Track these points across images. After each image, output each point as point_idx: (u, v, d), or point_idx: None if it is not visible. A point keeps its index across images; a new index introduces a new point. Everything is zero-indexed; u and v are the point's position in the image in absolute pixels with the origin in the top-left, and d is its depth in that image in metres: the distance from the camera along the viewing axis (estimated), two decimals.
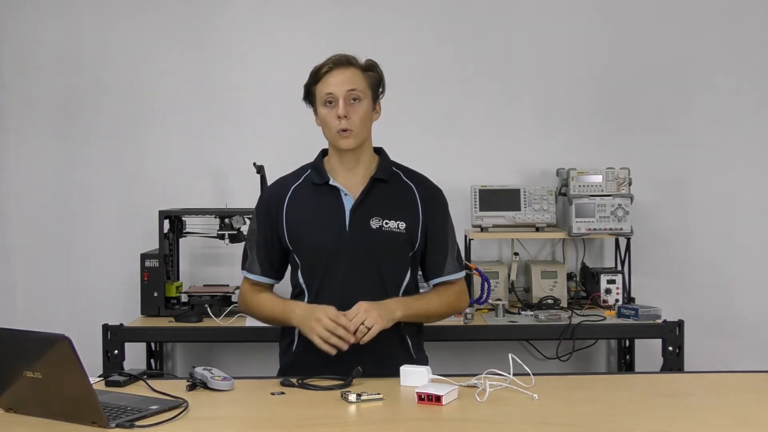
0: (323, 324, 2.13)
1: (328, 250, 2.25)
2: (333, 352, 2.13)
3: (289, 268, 2.40)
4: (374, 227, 2.27)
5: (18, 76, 3.90)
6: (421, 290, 2.41)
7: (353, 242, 2.25)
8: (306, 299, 2.31)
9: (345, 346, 2.12)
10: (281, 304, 2.31)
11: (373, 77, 2.31)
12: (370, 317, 2.12)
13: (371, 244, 2.26)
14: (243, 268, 2.41)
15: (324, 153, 2.39)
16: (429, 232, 2.33)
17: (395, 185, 2.34)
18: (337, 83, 2.24)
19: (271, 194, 2.39)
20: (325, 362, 2.13)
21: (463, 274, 2.41)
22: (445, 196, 2.42)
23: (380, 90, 2.34)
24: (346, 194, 2.29)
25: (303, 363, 2.22)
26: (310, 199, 2.31)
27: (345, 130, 2.24)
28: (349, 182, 2.31)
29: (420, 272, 2.41)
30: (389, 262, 2.29)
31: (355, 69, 2.28)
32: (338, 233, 2.26)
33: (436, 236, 2.35)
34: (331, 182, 2.30)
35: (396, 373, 2.06)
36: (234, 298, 3.58)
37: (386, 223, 2.28)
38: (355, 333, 2.12)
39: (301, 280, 2.32)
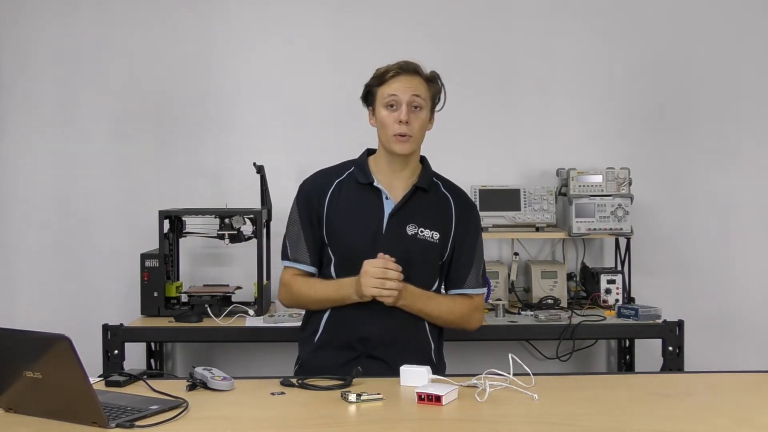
0: (371, 273, 2.17)
1: (362, 249, 2.26)
2: (390, 300, 2.19)
3: None
4: (410, 234, 2.31)
5: (18, 76, 3.90)
6: None
7: (388, 246, 2.26)
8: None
9: (397, 285, 2.17)
10: (335, 284, 2.31)
11: (435, 88, 2.36)
12: (391, 287, 2.18)
13: (405, 249, 2.28)
14: (287, 258, 2.39)
15: (368, 153, 2.42)
16: (457, 245, 2.37)
17: (434, 195, 2.39)
18: (402, 88, 2.29)
19: (315, 185, 2.39)
20: (345, 355, 2.21)
21: (483, 291, 2.43)
22: (479, 213, 2.48)
23: (437, 102, 2.38)
24: (387, 197, 2.32)
25: (325, 354, 2.28)
26: (352, 196, 2.34)
27: (403, 135, 2.27)
28: (392, 186, 2.34)
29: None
30: (420, 270, 2.31)
31: (420, 78, 2.32)
32: (374, 235, 2.29)
33: (464, 249, 2.38)
34: (375, 183, 2.33)
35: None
36: (234, 298, 3.58)
37: (421, 231, 2.32)
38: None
39: (333, 274, 2.33)
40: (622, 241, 3.75)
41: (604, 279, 3.60)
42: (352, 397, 1.89)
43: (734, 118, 3.91)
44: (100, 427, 1.69)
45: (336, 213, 2.33)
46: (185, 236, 3.66)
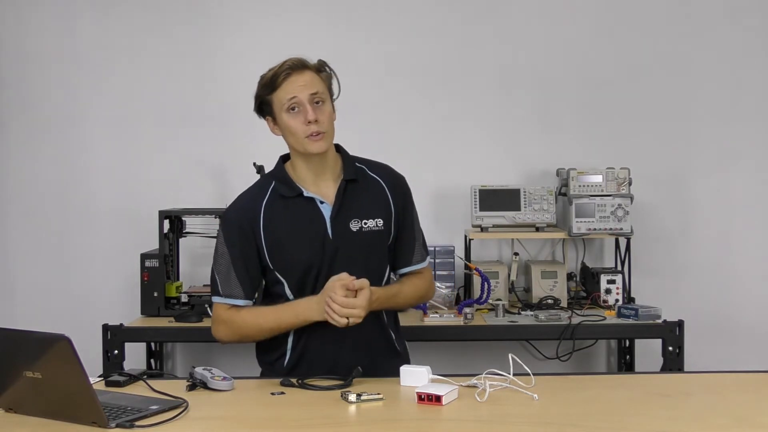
0: (338, 302, 2.07)
1: (315, 262, 2.19)
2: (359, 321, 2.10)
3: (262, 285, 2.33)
4: (355, 230, 2.23)
5: (18, 76, 3.90)
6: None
7: (339, 249, 2.21)
8: None
9: (363, 312, 2.09)
10: (290, 308, 2.21)
11: (327, 77, 2.25)
12: (356, 318, 2.09)
13: (356, 246, 2.23)
14: (217, 294, 2.28)
15: (283, 160, 2.32)
16: (398, 222, 2.31)
17: (363, 182, 2.29)
18: (299, 88, 2.17)
19: (242, 214, 2.26)
20: (319, 365, 2.15)
21: (428, 261, 2.40)
22: (407, 183, 2.38)
23: (332, 90, 2.27)
24: (322, 202, 2.23)
25: (295, 376, 2.15)
26: (284, 214, 2.22)
27: (317, 134, 2.17)
28: (321, 189, 2.25)
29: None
30: (374, 260, 2.27)
31: (311, 72, 2.22)
32: (323, 243, 2.21)
33: (405, 226, 2.33)
34: (305, 194, 2.23)
35: (382, 368, 2.09)
36: None
37: (365, 224, 2.25)
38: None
39: (290, 296, 2.24)
40: (622, 241, 3.75)
41: (604, 279, 3.60)
42: (352, 397, 1.89)
43: (734, 118, 3.91)
44: (100, 427, 1.69)
45: (274, 236, 2.21)
46: (185, 236, 3.66)
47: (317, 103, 2.19)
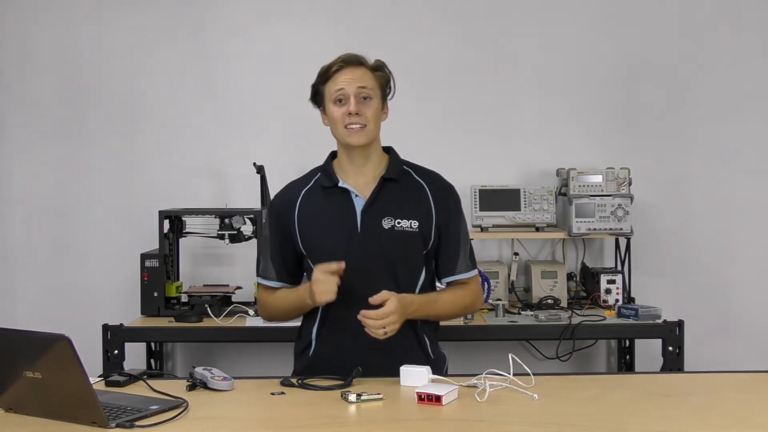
0: (320, 291, 2.12)
1: (340, 252, 2.21)
2: (332, 298, 2.13)
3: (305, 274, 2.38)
4: (386, 227, 2.26)
5: (18, 76, 3.91)
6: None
7: (366, 244, 2.23)
8: (321, 307, 2.28)
9: (397, 325, 2.11)
10: (294, 292, 2.30)
11: (382, 77, 2.32)
12: (392, 325, 2.11)
13: (384, 244, 2.25)
14: (258, 274, 2.40)
15: (333, 156, 2.38)
16: (442, 231, 2.32)
17: (406, 184, 2.33)
18: (347, 81, 2.25)
19: (282, 200, 2.37)
20: (340, 363, 2.13)
21: (475, 272, 2.39)
22: (457, 194, 2.41)
23: (388, 90, 2.35)
24: (356, 195, 2.28)
25: (319, 366, 2.20)
26: (320, 202, 2.30)
27: (357, 125, 2.23)
28: (359, 183, 2.30)
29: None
30: (403, 262, 2.28)
31: (364, 68, 2.29)
32: (350, 235, 2.25)
33: (450, 235, 2.34)
34: (340, 184, 2.29)
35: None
36: (234, 298, 3.58)
37: (398, 223, 2.27)
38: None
39: None
40: (622, 241, 3.75)
41: (604, 279, 3.60)
42: (352, 397, 1.89)
43: (734, 118, 3.91)
44: (100, 427, 1.69)
45: (307, 222, 2.29)
46: (185, 236, 3.66)
47: (364, 98, 2.25)
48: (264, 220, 2.42)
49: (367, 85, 2.26)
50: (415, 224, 2.27)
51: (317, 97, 2.32)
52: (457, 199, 2.40)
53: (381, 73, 2.31)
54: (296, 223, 2.30)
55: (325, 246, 2.26)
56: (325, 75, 2.28)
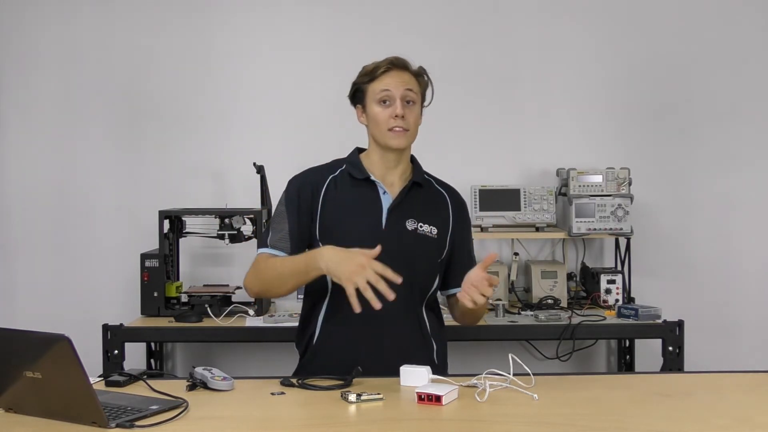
0: (366, 275, 1.99)
1: (361, 244, 2.11)
2: (357, 308, 2.00)
3: None
4: (410, 229, 2.28)
5: (18, 76, 3.91)
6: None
7: (388, 241, 2.18)
8: (328, 298, 2.26)
9: (378, 304, 1.99)
10: (302, 254, 2.19)
11: (423, 83, 2.34)
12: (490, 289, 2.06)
13: (406, 245, 2.26)
14: (264, 245, 2.27)
15: (358, 151, 2.38)
16: (456, 243, 2.36)
17: (429, 190, 2.37)
18: (395, 83, 2.26)
19: (308, 180, 2.32)
20: (343, 356, 2.14)
21: None
22: (468, 209, 2.48)
23: (425, 97, 2.36)
24: (384, 192, 2.29)
25: (323, 355, 2.22)
26: (348, 191, 2.29)
27: (400, 129, 2.24)
28: (387, 181, 2.31)
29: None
30: (421, 266, 2.29)
31: (410, 73, 2.30)
32: (374, 230, 2.25)
33: (464, 247, 2.38)
34: (371, 178, 2.30)
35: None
36: (234, 298, 3.58)
37: (421, 227, 2.29)
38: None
39: (327, 276, 2.17)
40: (622, 241, 3.75)
41: (604, 279, 3.60)
42: (352, 397, 1.89)
43: (734, 118, 3.91)
44: (100, 427, 1.69)
45: (332, 207, 2.27)
46: (185, 236, 3.66)
47: (408, 102, 2.27)
48: (280, 199, 2.33)
49: (412, 89, 2.28)
50: (434, 231, 2.31)
51: (357, 94, 2.32)
52: (469, 215, 2.47)
53: (422, 79, 2.34)
54: (320, 204, 2.28)
55: (347, 236, 2.19)
56: (372, 74, 2.28)
